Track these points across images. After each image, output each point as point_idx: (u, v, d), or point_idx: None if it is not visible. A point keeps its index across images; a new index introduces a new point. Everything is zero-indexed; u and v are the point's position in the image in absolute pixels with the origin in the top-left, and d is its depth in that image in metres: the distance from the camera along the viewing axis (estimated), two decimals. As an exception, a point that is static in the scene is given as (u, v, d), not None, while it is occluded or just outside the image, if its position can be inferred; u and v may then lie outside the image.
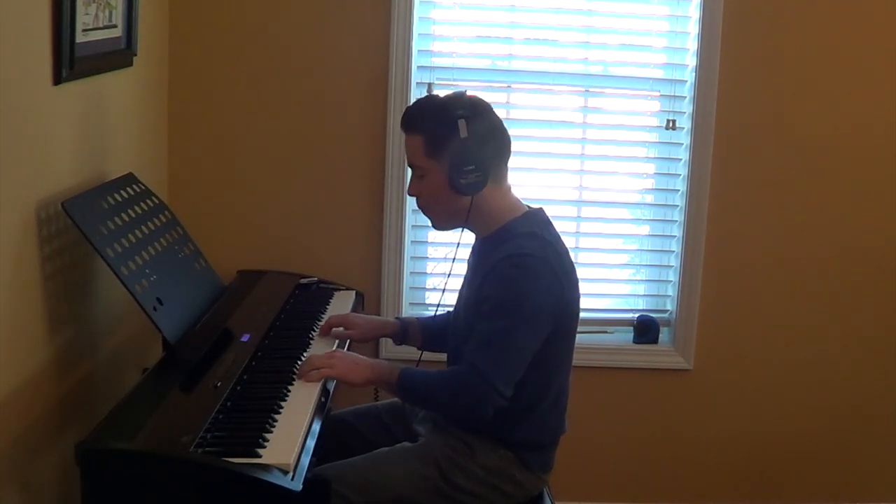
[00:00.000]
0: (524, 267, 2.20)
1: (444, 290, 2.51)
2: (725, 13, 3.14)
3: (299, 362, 2.34)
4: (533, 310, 2.19)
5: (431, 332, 2.60)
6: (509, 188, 2.36)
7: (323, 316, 2.73)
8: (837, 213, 3.29)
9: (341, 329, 2.56)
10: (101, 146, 2.51)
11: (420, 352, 2.57)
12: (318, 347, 2.45)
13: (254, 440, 1.90)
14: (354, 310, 2.88)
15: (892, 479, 3.45)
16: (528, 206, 2.38)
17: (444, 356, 2.50)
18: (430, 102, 2.34)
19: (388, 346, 3.16)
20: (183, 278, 2.53)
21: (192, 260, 2.64)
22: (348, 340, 2.58)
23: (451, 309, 2.62)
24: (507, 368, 2.19)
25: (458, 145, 2.23)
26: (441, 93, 2.36)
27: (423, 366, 2.46)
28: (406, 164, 3.10)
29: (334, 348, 2.46)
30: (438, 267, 3.31)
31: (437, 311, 2.62)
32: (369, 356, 3.05)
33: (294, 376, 2.25)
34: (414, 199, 2.39)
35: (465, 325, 2.31)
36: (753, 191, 3.27)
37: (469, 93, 2.32)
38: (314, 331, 2.58)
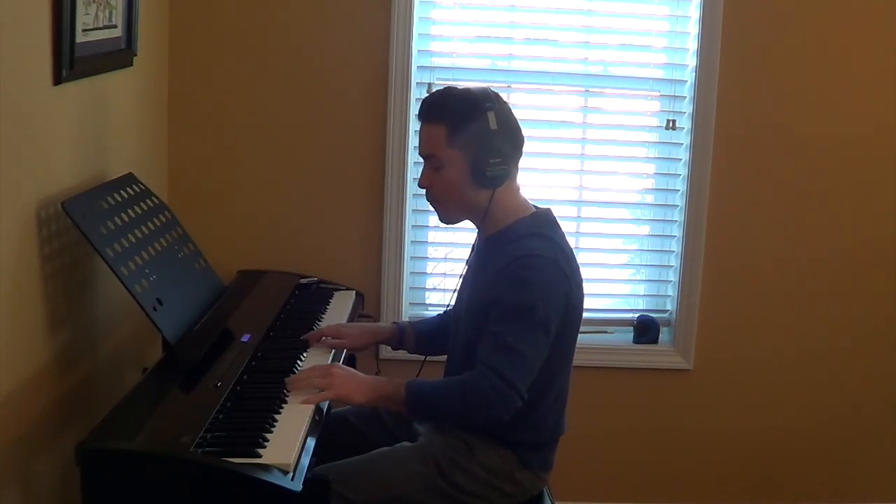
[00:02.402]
0: (535, 268, 2.20)
1: (454, 291, 2.49)
2: (725, 13, 3.14)
3: (299, 363, 2.34)
4: (545, 311, 2.19)
5: (423, 334, 2.59)
6: (519, 188, 2.36)
7: (323, 316, 2.73)
8: (837, 212, 3.29)
9: (331, 339, 2.50)
10: (101, 146, 2.51)
11: (423, 359, 2.52)
12: (314, 355, 2.42)
13: (254, 440, 1.90)
14: (354, 310, 2.88)
15: (892, 479, 3.46)
16: (536, 207, 2.38)
17: (438, 358, 2.49)
18: (454, 92, 2.33)
19: (386, 349, 3.16)
20: (183, 278, 2.53)
21: (192, 260, 2.64)
22: (344, 351, 2.53)
23: (443, 311, 2.62)
24: (526, 370, 2.18)
25: (486, 136, 2.23)
26: (458, 85, 2.36)
27: (426, 369, 2.45)
28: (407, 163, 3.13)
29: (330, 359, 2.40)
30: (438, 267, 3.31)
31: (448, 306, 2.59)
32: (368, 360, 3.08)
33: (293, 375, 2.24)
34: (420, 195, 2.38)
35: (467, 325, 2.30)
36: (753, 191, 3.27)
37: (489, 87, 2.34)
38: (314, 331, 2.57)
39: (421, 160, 2.37)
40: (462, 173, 2.26)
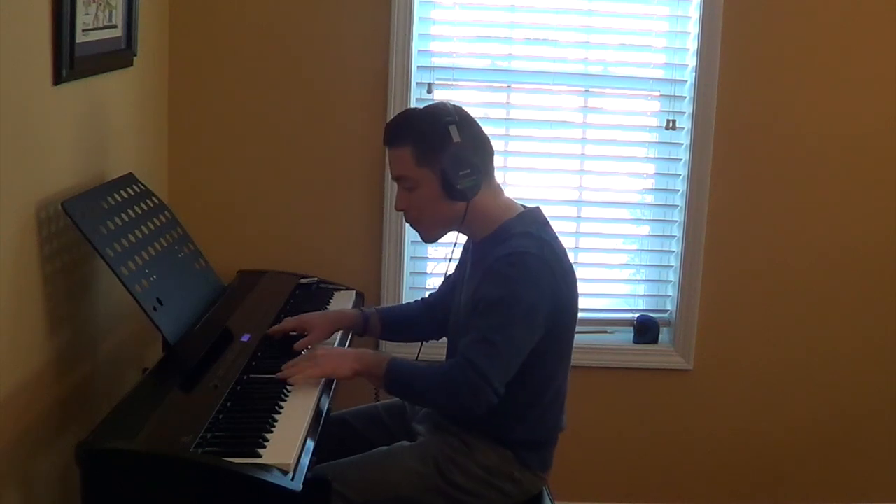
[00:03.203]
0: (521, 265, 2.21)
1: (443, 287, 2.51)
2: (725, 13, 3.14)
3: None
4: (529, 308, 2.19)
5: (391, 322, 2.61)
6: (500, 188, 2.37)
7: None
8: (837, 213, 3.30)
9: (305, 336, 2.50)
10: (100, 146, 2.51)
11: (419, 346, 2.56)
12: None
13: (254, 440, 1.90)
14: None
15: (892, 479, 3.46)
16: (524, 206, 2.38)
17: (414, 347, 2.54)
18: (413, 113, 2.36)
19: (387, 346, 3.16)
20: (183, 278, 2.53)
21: (192, 260, 2.64)
22: (350, 335, 2.59)
23: (416, 300, 2.66)
24: (503, 366, 2.19)
25: (452, 151, 2.24)
26: (416, 105, 2.37)
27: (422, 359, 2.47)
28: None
29: (336, 344, 2.46)
30: (438, 267, 3.30)
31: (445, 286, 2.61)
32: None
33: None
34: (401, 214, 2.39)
35: (464, 328, 2.30)
36: (753, 191, 3.27)
37: (446, 101, 2.35)
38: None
39: None
40: (435, 190, 2.27)
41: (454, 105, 2.33)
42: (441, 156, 2.24)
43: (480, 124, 2.35)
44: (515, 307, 2.18)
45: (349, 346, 2.58)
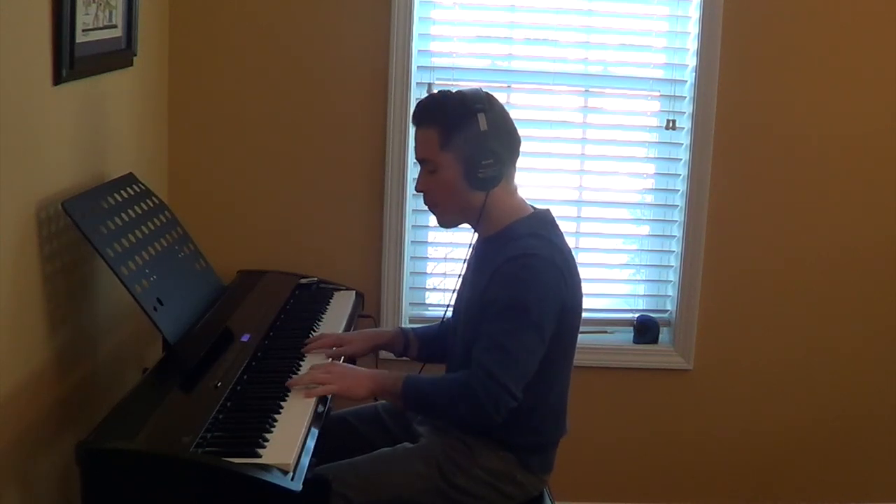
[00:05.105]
0: (531, 268, 2.20)
1: (453, 291, 2.50)
2: (725, 13, 3.14)
3: (300, 363, 2.34)
4: (540, 311, 2.18)
5: (426, 342, 2.58)
6: (516, 188, 2.36)
7: (323, 316, 2.73)
8: (837, 212, 3.29)
9: (334, 349, 2.50)
10: (100, 146, 2.51)
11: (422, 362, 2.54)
12: (316, 358, 2.42)
13: (254, 440, 1.90)
14: (354, 310, 2.88)
15: (892, 479, 3.46)
16: (534, 207, 2.37)
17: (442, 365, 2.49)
18: (445, 96, 2.31)
19: (387, 354, 3.16)
20: (183, 278, 2.53)
21: (192, 260, 2.64)
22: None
23: (441, 320, 2.60)
24: (519, 370, 2.18)
25: (476, 139, 2.22)
26: (451, 88, 2.35)
27: (426, 369, 2.46)
28: (407, 163, 3.13)
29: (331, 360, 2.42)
30: (438, 267, 3.31)
31: (445, 314, 2.57)
32: (367, 360, 3.07)
33: (294, 376, 2.25)
34: (420, 196, 2.38)
35: (466, 325, 2.30)
36: (753, 191, 3.27)
37: (480, 88, 2.32)
38: (314, 331, 2.57)
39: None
40: (456, 176, 2.26)
41: (488, 94, 2.31)
42: (466, 142, 2.23)
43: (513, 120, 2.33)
44: (527, 311, 2.17)
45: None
